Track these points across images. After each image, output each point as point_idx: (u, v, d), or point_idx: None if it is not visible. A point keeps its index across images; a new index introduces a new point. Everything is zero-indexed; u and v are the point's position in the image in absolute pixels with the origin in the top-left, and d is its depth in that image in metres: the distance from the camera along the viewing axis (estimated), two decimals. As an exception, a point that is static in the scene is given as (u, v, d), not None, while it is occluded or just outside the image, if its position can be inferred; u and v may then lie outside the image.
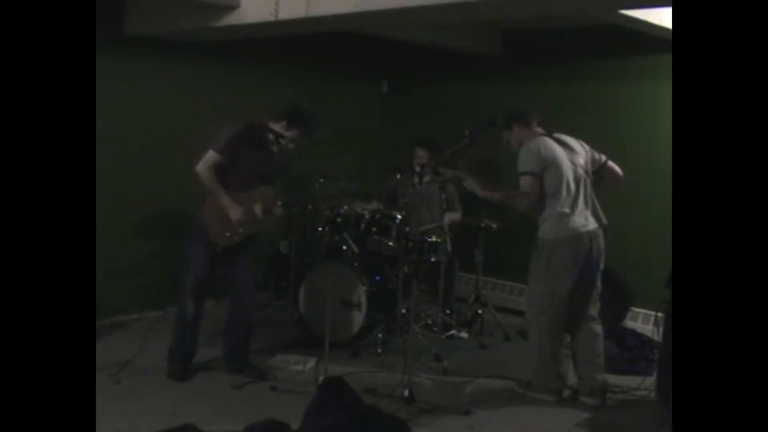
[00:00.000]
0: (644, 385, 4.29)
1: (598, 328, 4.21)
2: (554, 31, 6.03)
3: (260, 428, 3.30)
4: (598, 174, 4.21)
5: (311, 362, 4.49)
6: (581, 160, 4.12)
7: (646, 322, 5.32)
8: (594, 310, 4.20)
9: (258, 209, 4.16)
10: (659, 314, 4.20)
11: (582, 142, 4.20)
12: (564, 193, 3.99)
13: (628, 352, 4.77)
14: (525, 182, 3.99)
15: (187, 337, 4.26)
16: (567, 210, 4.00)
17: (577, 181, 4.05)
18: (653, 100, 5.50)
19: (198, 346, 4.35)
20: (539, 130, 4.17)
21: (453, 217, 5.60)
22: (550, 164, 3.99)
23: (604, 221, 4.13)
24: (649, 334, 4.80)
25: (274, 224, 4.45)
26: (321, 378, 3.88)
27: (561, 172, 4.00)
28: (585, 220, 4.04)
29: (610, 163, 4.25)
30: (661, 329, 4.26)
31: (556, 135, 4.15)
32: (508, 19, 5.90)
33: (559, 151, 4.04)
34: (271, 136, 4.19)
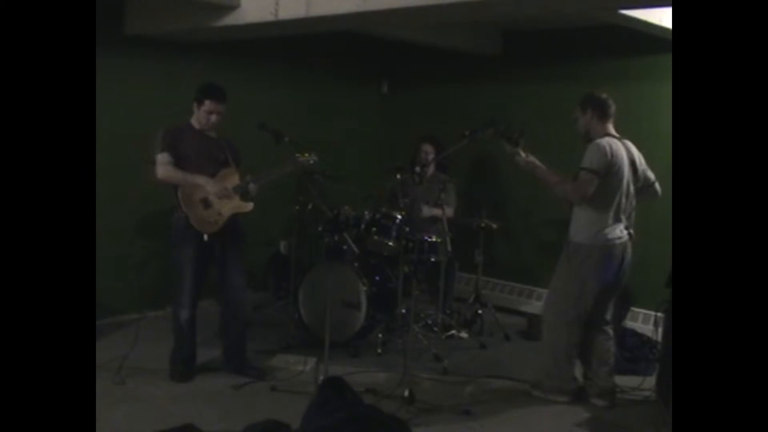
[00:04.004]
0: (644, 385, 4.30)
1: (611, 331, 4.23)
2: (554, 31, 6.03)
3: (260, 428, 3.30)
4: (641, 190, 4.13)
5: (311, 362, 4.49)
6: (638, 173, 4.07)
7: (646, 322, 5.32)
8: (609, 314, 4.22)
9: (229, 188, 4.17)
10: (659, 314, 4.21)
11: (641, 156, 4.12)
12: (615, 203, 3.95)
13: (628, 352, 4.77)
14: (586, 178, 3.90)
15: (185, 341, 4.26)
16: (610, 220, 3.95)
17: (627, 192, 4.00)
18: (653, 100, 5.51)
19: (197, 348, 4.34)
20: (612, 129, 4.06)
21: (438, 211, 5.53)
22: (614, 172, 3.92)
23: (633, 234, 4.08)
24: (649, 334, 4.80)
25: (252, 206, 4.35)
26: (321, 378, 3.88)
27: (620, 182, 3.94)
28: (620, 232, 4.00)
29: (657, 185, 4.18)
30: (660, 329, 4.27)
31: (625, 142, 4.05)
32: (508, 19, 5.90)
33: (625, 161, 3.96)
34: (197, 126, 4.19)
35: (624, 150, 3.99)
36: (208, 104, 4.15)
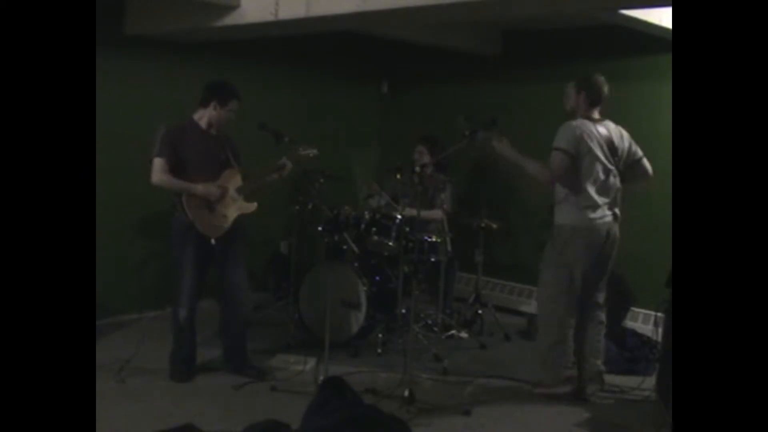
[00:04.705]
0: (644, 385, 4.30)
1: (603, 315, 4.24)
2: (554, 31, 6.03)
3: (260, 428, 3.30)
4: (630, 168, 4.14)
5: (311, 362, 4.49)
6: (618, 152, 4.06)
7: (646, 322, 5.33)
8: (601, 297, 4.22)
9: (231, 191, 4.17)
10: (659, 314, 4.21)
11: (623, 132, 4.13)
12: (591, 181, 3.96)
13: (628, 352, 4.77)
14: (555, 158, 3.93)
15: (184, 341, 4.26)
16: (590, 200, 3.96)
17: (606, 172, 4.00)
18: (653, 100, 5.51)
19: (197, 348, 4.35)
20: (595, 113, 4.06)
21: (436, 214, 5.52)
22: (585, 151, 3.93)
23: (618, 214, 4.09)
24: (649, 334, 4.81)
25: (255, 206, 4.36)
26: (321, 378, 3.88)
27: (594, 161, 3.95)
28: (603, 212, 4.00)
29: (644, 160, 4.18)
30: (661, 329, 4.27)
31: (604, 122, 4.06)
32: (508, 19, 5.90)
33: (598, 139, 3.97)
34: (204, 126, 4.18)
35: (596, 130, 3.99)
36: (233, 104, 4.17)
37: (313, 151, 4.36)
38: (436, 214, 5.46)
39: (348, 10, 3.93)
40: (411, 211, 5.29)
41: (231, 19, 4.51)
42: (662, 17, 4.59)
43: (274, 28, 4.52)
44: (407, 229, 4.92)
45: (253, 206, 4.32)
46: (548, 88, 6.02)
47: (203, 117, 4.19)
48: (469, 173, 6.43)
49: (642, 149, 4.21)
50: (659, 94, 5.43)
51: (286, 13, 4.20)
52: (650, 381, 4.31)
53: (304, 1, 4.08)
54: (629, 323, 5.40)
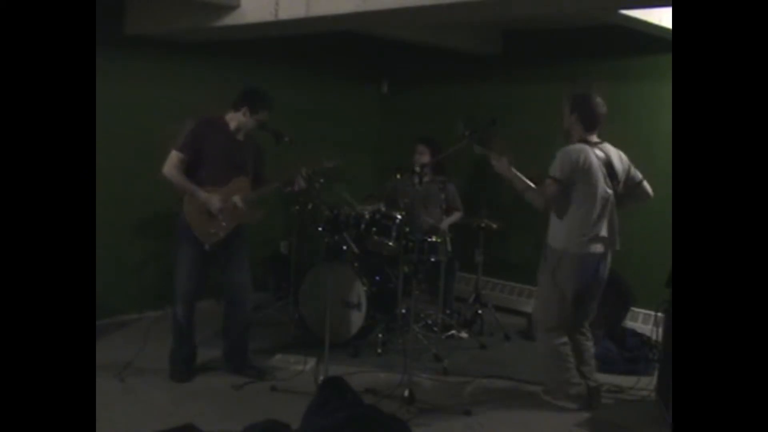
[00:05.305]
0: (639, 384, 4.31)
1: (589, 333, 4.20)
2: (554, 31, 6.03)
3: (260, 428, 3.30)
4: (630, 191, 4.06)
5: (311, 362, 4.49)
6: (617, 175, 3.97)
7: (646, 322, 5.33)
8: (586, 323, 4.19)
9: (237, 200, 4.14)
10: (659, 314, 4.21)
11: (623, 155, 4.03)
12: (586, 209, 3.88)
13: (628, 352, 4.78)
14: (548, 185, 3.88)
15: (183, 340, 4.26)
16: (583, 228, 3.89)
17: (603, 200, 3.90)
18: (653, 100, 5.51)
19: (197, 347, 4.35)
20: (593, 137, 3.96)
21: (454, 217, 5.61)
22: (583, 178, 3.85)
23: (617, 246, 4.00)
24: (649, 334, 4.81)
25: (260, 217, 4.35)
26: (321, 378, 3.88)
27: (590, 188, 3.87)
28: (598, 240, 3.92)
29: (644, 183, 4.09)
30: (661, 329, 4.27)
31: (603, 146, 3.96)
32: (508, 19, 5.90)
33: (596, 166, 3.87)
34: (232, 128, 4.17)
35: (595, 156, 3.89)
36: (263, 114, 4.15)
37: (336, 162, 4.38)
38: (456, 216, 5.54)
39: (348, 10, 3.93)
40: (451, 219, 5.51)
41: (231, 19, 4.51)
42: (662, 17, 4.59)
43: (274, 28, 4.52)
44: (407, 229, 4.93)
45: (256, 217, 4.30)
46: (548, 88, 6.04)
47: (233, 120, 4.18)
48: (469, 173, 6.43)
49: (642, 150, 4.19)
50: (659, 94, 5.43)
51: (286, 13, 4.20)
52: (645, 380, 4.32)
53: (304, 1, 4.08)
54: (629, 323, 5.40)
